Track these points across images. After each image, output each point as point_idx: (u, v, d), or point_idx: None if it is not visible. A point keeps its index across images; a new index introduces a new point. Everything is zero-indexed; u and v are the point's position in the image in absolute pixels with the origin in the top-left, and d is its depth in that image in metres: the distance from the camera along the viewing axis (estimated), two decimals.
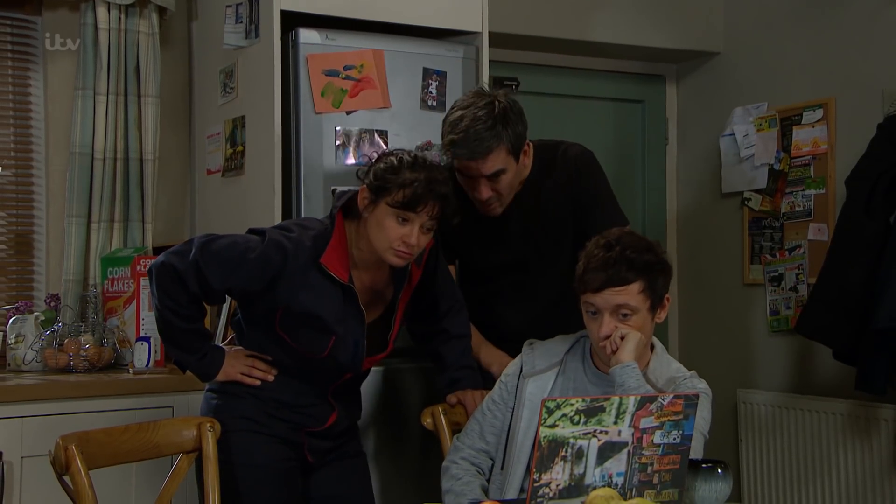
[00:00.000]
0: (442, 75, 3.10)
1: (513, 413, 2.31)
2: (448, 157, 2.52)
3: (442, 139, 2.53)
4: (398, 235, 2.24)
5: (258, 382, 2.38)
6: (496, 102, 2.49)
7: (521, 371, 2.34)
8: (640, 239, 2.24)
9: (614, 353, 2.16)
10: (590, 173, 2.67)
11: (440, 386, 2.60)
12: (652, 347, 2.29)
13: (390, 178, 2.24)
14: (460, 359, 2.58)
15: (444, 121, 2.53)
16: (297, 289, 2.27)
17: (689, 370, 2.29)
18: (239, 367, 2.39)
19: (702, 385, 2.23)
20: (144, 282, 3.12)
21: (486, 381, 2.58)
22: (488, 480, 2.33)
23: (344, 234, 2.33)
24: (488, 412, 2.36)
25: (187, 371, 2.47)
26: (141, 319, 3.14)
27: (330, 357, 2.34)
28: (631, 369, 2.13)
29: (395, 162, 2.26)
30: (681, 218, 4.42)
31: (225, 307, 3.00)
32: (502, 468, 2.29)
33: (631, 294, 2.15)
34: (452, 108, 2.55)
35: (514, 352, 2.49)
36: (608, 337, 2.16)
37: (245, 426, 2.38)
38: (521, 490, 2.20)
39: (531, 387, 2.29)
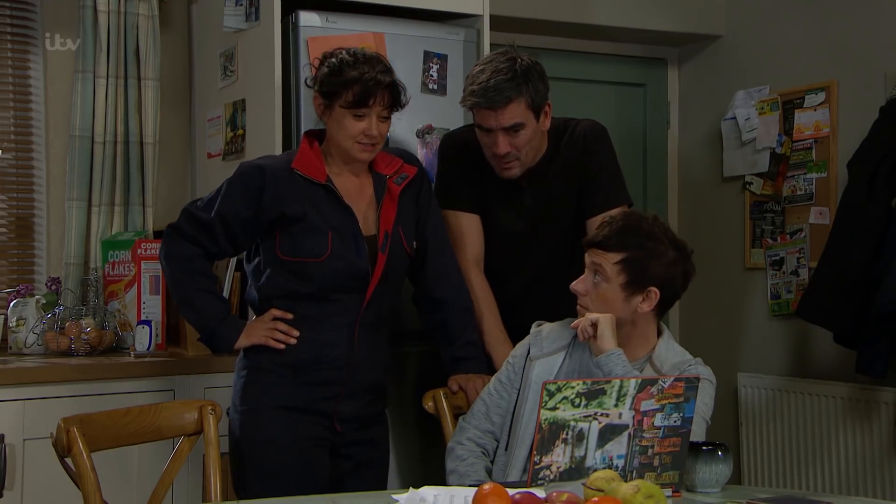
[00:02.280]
0: (443, 58, 3.09)
1: (518, 395, 2.32)
2: (467, 106, 2.57)
3: (463, 92, 2.58)
4: (359, 130, 2.37)
5: (282, 346, 2.39)
6: (519, 59, 2.53)
7: (528, 353, 2.35)
8: (650, 226, 2.23)
9: (588, 339, 2.19)
10: (596, 150, 2.68)
11: (443, 362, 2.60)
12: (659, 333, 2.29)
13: (335, 81, 2.36)
14: (463, 333, 2.58)
15: (467, 77, 2.59)
16: (280, 197, 2.38)
17: (693, 356, 2.29)
18: (261, 329, 2.42)
19: (706, 372, 2.24)
20: (145, 265, 3.12)
21: (490, 365, 2.60)
22: (493, 461, 2.33)
23: (315, 146, 2.45)
24: (495, 393, 2.37)
25: (208, 346, 2.53)
26: (142, 303, 3.14)
27: (335, 257, 2.36)
28: (616, 356, 2.14)
29: (336, 64, 2.38)
30: (682, 202, 4.42)
31: (228, 278, 3.00)
32: (506, 449, 2.30)
33: (607, 261, 2.19)
34: (475, 65, 2.61)
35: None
36: (580, 293, 2.22)
37: (275, 402, 2.39)
38: (525, 471, 2.20)
39: (538, 369, 2.29)
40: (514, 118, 2.52)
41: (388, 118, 2.41)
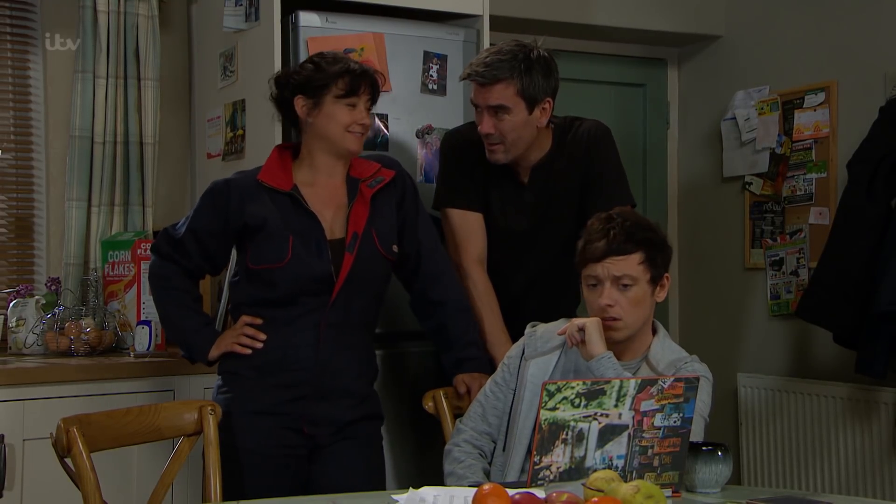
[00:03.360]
0: (443, 59, 3.09)
1: (514, 395, 2.32)
2: (461, 78, 2.63)
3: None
4: (351, 119, 2.43)
5: (249, 351, 2.43)
6: (528, 48, 2.56)
7: (523, 353, 2.35)
8: (641, 218, 2.29)
9: (577, 345, 2.18)
10: (599, 150, 2.69)
11: (446, 365, 2.60)
12: (655, 331, 2.29)
13: (322, 77, 2.42)
14: (465, 334, 2.58)
15: None
16: (244, 208, 2.43)
17: (690, 354, 2.29)
18: (229, 336, 2.47)
19: (702, 369, 2.24)
20: (145, 266, 3.11)
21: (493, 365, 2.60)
22: (490, 463, 2.33)
23: (286, 157, 2.48)
24: (491, 394, 2.37)
25: (189, 361, 2.57)
26: (142, 303, 3.14)
27: (296, 261, 2.38)
28: (607, 360, 2.14)
29: (314, 66, 2.45)
30: (682, 202, 4.42)
31: (224, 297, 3.00)
32: (504, 450, 2.30)
33: (631, 264, 2.19)
34: None
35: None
36: (609, 306, 2.18)
37: (248, 408, 2.41)
38: (523, 472, 2.20)
39: (533, 369, 2.29)
40: (500, 100, 2.53)
41: (370, 109, 2.47)
